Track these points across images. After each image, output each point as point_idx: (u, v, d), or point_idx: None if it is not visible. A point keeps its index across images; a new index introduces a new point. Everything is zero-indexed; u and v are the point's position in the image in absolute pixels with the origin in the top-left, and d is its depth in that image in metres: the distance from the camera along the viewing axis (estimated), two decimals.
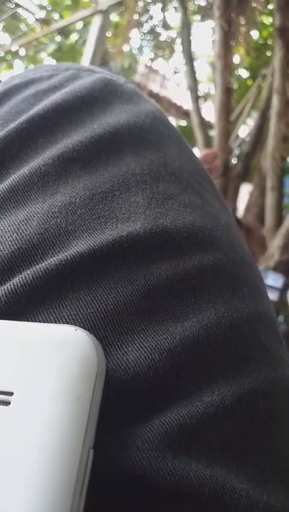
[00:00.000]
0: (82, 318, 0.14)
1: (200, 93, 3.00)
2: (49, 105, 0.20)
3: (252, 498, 0.13)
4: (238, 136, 3.11)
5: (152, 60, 4.43)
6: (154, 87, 4.45)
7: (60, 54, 4.62)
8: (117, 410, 0.13)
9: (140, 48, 4.29)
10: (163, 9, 3.97)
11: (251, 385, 0.16)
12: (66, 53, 4.59)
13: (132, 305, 0.15)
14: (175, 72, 4.44)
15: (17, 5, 4.42)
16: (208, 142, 2.67)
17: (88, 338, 0.13)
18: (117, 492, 0.12)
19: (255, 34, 3.45)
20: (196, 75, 2.85)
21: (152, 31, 4.15)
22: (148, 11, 4.03)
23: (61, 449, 0.11)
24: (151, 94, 3.95)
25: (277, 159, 2.13)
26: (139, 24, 3.96)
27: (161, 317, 0.15)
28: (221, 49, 2.31)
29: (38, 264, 0.15)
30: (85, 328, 0.14)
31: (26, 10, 4.48)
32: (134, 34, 3.98)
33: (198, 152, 2.51)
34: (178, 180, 0.20)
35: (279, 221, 2.24)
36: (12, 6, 4.45)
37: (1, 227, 0.16)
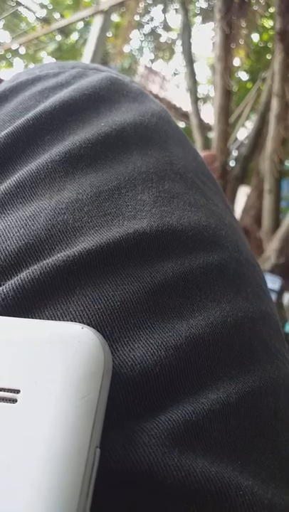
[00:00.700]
0: (89, 314, 0.14)
1: (199, 95, 3.00)
2: (56, 102, 0.20)
3: (257, 495, 0.13)
4: (236, 138, 3.11)
5: (152, 61, 4.44)
6: (154, 88, 4.46)
7: (60, 53, 4.62)
8: (124, 406, 0.13)
9: (140, 49, 4.29)
10: (164, 11, 3.97)
11: (256, 383, 0.16)
12: (66, 53, 4.59)
13: (139, 302, 0.15)
14: (175, 74, 4.45)
15: (18, 3, 4.41)
16: (206, 144, 2.67)
17: (95, 336, 0.12)
18: (124, 487, 0.12)
19: (255, 37, 3.46)
20: (196, 76, 2.84)
21: (153, 32, 4.15)
22: (149, 12, 4.03)
23: (68, 448, 0.11)
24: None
25: (276, 162, 2.14)
26: (139, 25, 3.97)
27: (168, 314, 0.15)
28: (221, 51, 2.31)
29: (45, 259, 0.15)
30: (91, 325, 0.14)
31: (27, 8, 4.47)
32: (135, 35, 4.00)
33: None
34: (183, 180, 0.21)
35: (276, 224, 2.24)
36: (13, 4, 4.44)
37: (9, 223, 0.16)
